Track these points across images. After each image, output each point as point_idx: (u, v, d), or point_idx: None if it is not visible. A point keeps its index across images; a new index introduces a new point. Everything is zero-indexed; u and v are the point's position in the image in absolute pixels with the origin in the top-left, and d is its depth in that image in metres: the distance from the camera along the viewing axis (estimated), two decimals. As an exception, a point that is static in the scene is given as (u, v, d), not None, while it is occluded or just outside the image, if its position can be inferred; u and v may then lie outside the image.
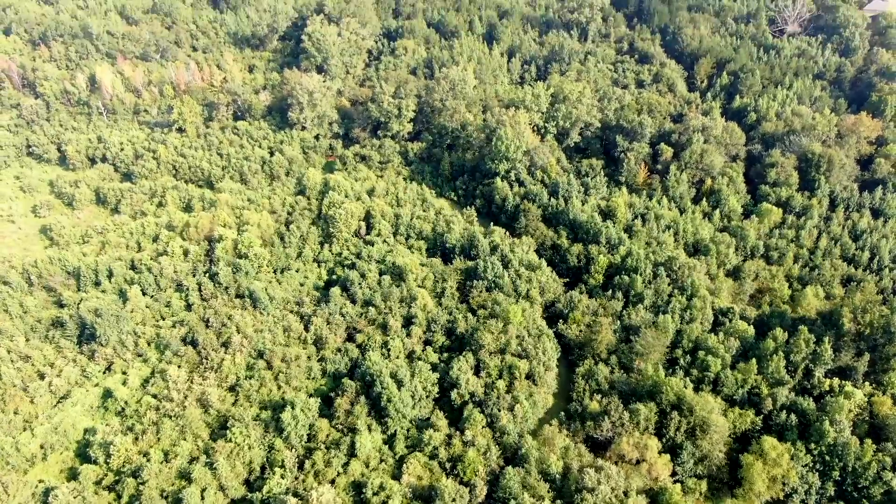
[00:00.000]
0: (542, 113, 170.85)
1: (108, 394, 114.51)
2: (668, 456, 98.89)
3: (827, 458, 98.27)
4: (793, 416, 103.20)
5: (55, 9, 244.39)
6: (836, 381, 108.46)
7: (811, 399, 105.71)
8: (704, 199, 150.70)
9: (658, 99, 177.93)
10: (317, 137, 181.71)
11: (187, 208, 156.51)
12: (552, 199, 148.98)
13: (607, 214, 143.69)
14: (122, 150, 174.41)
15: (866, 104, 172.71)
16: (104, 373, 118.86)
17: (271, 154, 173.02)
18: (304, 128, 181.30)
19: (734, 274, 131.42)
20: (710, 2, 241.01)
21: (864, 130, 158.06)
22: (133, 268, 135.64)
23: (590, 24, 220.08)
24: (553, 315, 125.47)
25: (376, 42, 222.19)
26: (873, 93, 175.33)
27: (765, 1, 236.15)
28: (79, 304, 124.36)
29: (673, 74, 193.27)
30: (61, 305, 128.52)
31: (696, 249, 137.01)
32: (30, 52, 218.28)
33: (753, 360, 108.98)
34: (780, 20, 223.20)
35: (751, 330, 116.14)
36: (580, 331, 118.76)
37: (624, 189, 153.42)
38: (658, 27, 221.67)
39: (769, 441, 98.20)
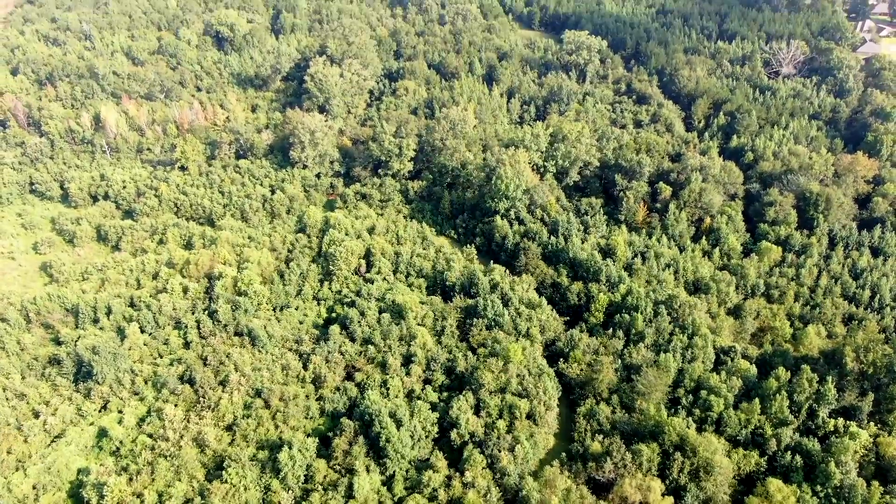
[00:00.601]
0: (542, 152, 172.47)
1: (102, 433, 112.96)
2: (671, 498, 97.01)
3: (833, 500, 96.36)
4: (798, 458, 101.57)
5: (63, 50, 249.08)
6: (840, 421, 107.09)
7: (816, 440, 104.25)
8: (704, 237, 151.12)
9: (656, 138, 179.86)
10: (318, 176, 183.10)
11: (188, 246, 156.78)
12: (552, 237, 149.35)
13: (607, 253, 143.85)
14: (124, 187, 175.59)
15: (862, 144, 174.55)
16: (100, 411, 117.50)
17: (272, 192, 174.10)
18: (305, 166, 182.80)
19: (735, 312, 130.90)
20: (706, 44, 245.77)
21: (861, 170, 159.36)
22: (132, 305, 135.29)
23: (588, 66, 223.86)
24: (554, 354, 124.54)
25: (378, 83, 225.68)
26: (869, 133, 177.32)
27: (759, 44, 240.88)
28: (76, 341, 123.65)
29: (670, 115, 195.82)
30: (59, 343, 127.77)
31: (696, 288, 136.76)
32: (36, 91, 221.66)
33: (756, 400, 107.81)
34: (774, 62, 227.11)
35: (753, 369, 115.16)
36: (581, 370, 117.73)
37: (623, 227, 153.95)
38: (655, 69, 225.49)
39: (774, 483, 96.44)
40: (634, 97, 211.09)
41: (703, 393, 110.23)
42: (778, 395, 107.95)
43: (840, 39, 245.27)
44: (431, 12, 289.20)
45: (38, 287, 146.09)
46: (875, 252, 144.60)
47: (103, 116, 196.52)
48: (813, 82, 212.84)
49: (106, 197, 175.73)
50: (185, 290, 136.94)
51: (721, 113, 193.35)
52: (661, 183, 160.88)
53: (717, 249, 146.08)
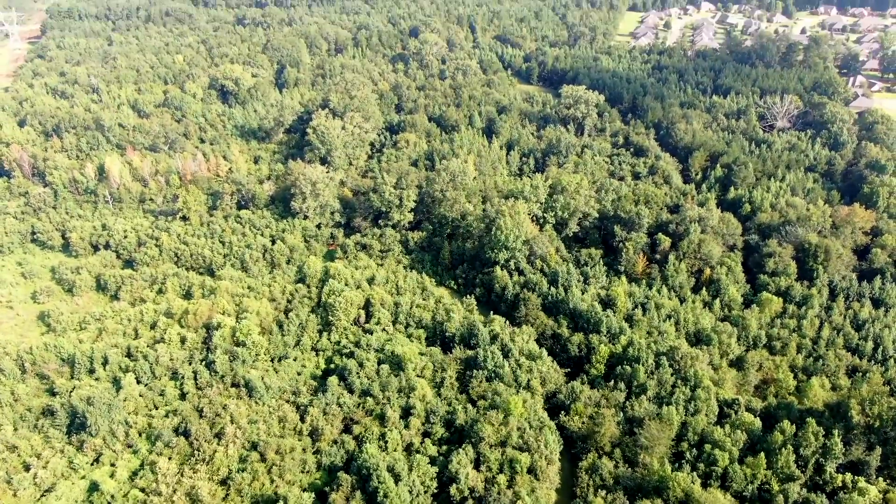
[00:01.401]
0: (541, 203, 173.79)
1: (94, 487, 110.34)
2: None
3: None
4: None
5: (70, 102, 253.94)
6: (848, 476, 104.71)
7: (824, 496, 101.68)
8: (704, 288, 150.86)
9: (654, 190, 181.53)
10: (318, 226, 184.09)
11: (187, 295, 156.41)
12: (552, 288, 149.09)
13: (607, 303, 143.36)
14: (125, 237, 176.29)
15: (859, 196, 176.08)
16: (92, 465, 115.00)
17: (273, 242, 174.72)
18: (306, 217, 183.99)
19: (737, 364, 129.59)
20: (701, 99, 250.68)
21: (859, 221, 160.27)
22: (129, 355, 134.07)
23: (586, 119, 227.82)
24: (555, 406, 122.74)
25: (379, 135, 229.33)
26: (865, 185, 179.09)
27: (753, 98, 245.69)
28: (71, 392, 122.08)
29: (668, 167, 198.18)
30: (53, 393, 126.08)
31: (697, 339, 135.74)
32: (42, 142, 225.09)
33: (762, 454, 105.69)
34: (769, 116, 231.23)
35: (757, 422, 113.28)
36: (583, 423, 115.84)
37: (623, 278, 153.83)
38: (652, 122, 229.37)
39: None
40: (632, 150, 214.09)
41: (708, 447, 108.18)
42: (784, 449, 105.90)
43: (833, 94, 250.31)
44: (432, 67, 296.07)
45: (35, 337, 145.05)
46: (876, 303, 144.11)
47: (107, 167, 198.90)
48: (808, 135, 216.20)
49: (107, 246, 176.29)
50: (183, 341, 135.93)
51: (718, 165, 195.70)
52: (660, 234, 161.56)
53: (717, 300, 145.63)
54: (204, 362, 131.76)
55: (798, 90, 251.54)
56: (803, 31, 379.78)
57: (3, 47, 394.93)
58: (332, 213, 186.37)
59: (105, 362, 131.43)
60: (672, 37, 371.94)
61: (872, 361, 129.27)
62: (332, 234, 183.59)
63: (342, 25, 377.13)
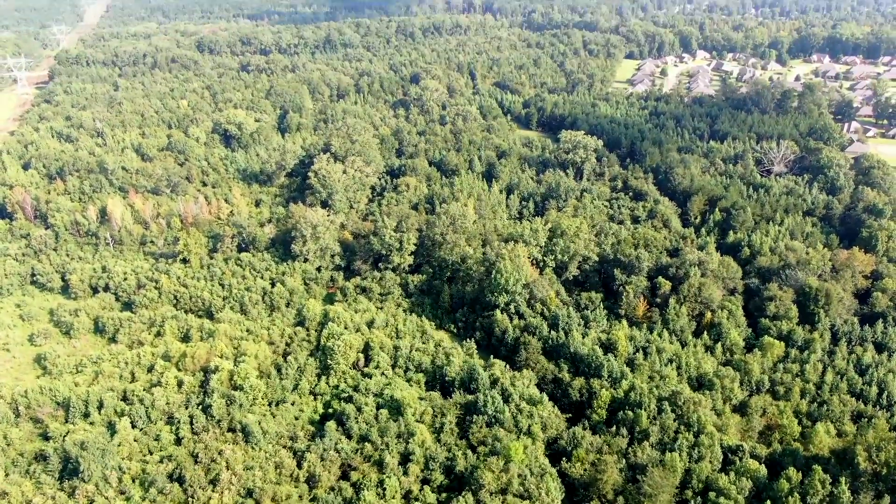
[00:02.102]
0: (541, 247, 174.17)
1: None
2: None
3: None
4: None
5: (75, 146, 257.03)
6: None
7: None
8: (705, 332, 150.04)
9: (654, 234, 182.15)
10: (318, 269, 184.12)
11: (185, 338, 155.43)
12: (552, 331, 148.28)
13: (608, 347, 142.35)
14: (125, 279, 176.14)
15: (857, 240, 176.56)
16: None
17: (273, 285, 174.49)
18: (306, 260, 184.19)
19: (741, 409, 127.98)
20: (699, 144, 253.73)
21: (858, 265, 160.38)
22: (125, 399, 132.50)
23: (585, 164, 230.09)
24: (556, 452, 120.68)
25: (380, 179, 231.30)
26: (863, 229, 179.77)
27: (750, 143, 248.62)
28: (65, 436, 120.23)
29: (667, 211, 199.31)
30: (46, 438, 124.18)
31: (700, 384, 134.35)
32: (46, 185, 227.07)
33: (768, 503, 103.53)
34: (766, 161, 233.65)
35: (763, 469, 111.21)
36: (585, 470, 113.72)
37: (624, 322, 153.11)
38: (650, 167, 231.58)
39: None
40: (631, 194, 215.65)
41: (712, 495, 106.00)
42: (790, 497, 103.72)
43: (828, 140, 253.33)
44: (433, 113, 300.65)
45: (31, 379, 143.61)
46: (879, 347, 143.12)
47: (109, 210, 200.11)
48: (805, 180, 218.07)
49: (106, 289, 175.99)
50: (180, 384, 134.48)
51: (717, 209, 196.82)
52: (660, 278, 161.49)
53: (719, 344, 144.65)
54: (200, 406, 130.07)
55: (794, 136, 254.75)
56: (797, 79, 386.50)
57: (12, 92, 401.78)
58: (333, 256, 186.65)
59: (100, 406, 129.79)
60: (668, 84, 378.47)
61: (877, 407, 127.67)
62: (332, 276, 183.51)
63: (344, 72, 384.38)
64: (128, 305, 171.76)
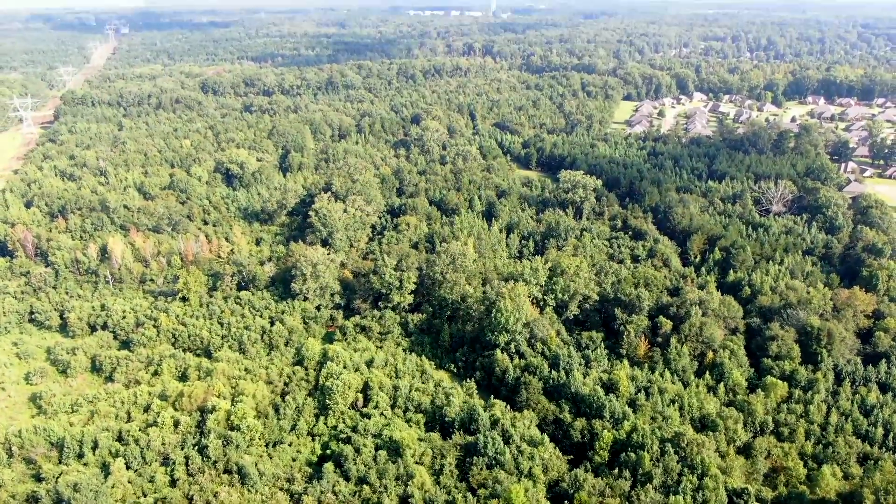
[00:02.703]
0: (541, 286, 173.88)
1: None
2: None
3: None
4: None
5: (77, 184, 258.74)
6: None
7: None
8: (707, 372, 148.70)
9: (654, 273, 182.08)
10: (318, 308, 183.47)
11: (183, 377, 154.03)
12: (553, 371, 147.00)
13: (610, 388, 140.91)
14: (123, 317, 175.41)
15: (858, 279, 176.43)
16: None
17: (272, 324, 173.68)
18: (306, 298, 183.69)
19: (745, 451, 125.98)
20: (697, 184, 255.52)
21: (860, 304, 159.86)
22: (120, 439, 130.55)
23: (584, 203, 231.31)
24: (557, 495, 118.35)
25: (380, 218, 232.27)
26: (863, 268, 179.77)
27: (748, 183, 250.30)
28: (58, 477, 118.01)
29: (667, 250, 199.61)
30: (39, 479, 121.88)
31: (703, 425, 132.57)
32: (47, 223, 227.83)
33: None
34: (764, 201, 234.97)
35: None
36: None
37: (625, 362, 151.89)
38: (649, 206, 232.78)
39: None
40: (630, 233, 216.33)
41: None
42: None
43: (825, 180, 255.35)
44: (433, 153, 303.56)
45: (25, 419, 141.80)
46: (883, 388, 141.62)
47: (110, 248, 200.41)
48: (804, 219, 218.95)
49: (104, 327, 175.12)
50: (176, 424, 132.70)
51: (716, 248, 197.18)
52: (661, 317, 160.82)
53: (721, 385, 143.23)
54: (196, 447, 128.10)
55: (791, 175, 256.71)
56: (793, 120, 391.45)
57: (17, 132, 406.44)
58: (332, 295, 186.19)
59: (95, 446, 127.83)
60: (666, 125, 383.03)
61: (884, 449, 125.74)
62: (331, 315, 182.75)
63: (346, 113, 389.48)
64: (126, 344, 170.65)
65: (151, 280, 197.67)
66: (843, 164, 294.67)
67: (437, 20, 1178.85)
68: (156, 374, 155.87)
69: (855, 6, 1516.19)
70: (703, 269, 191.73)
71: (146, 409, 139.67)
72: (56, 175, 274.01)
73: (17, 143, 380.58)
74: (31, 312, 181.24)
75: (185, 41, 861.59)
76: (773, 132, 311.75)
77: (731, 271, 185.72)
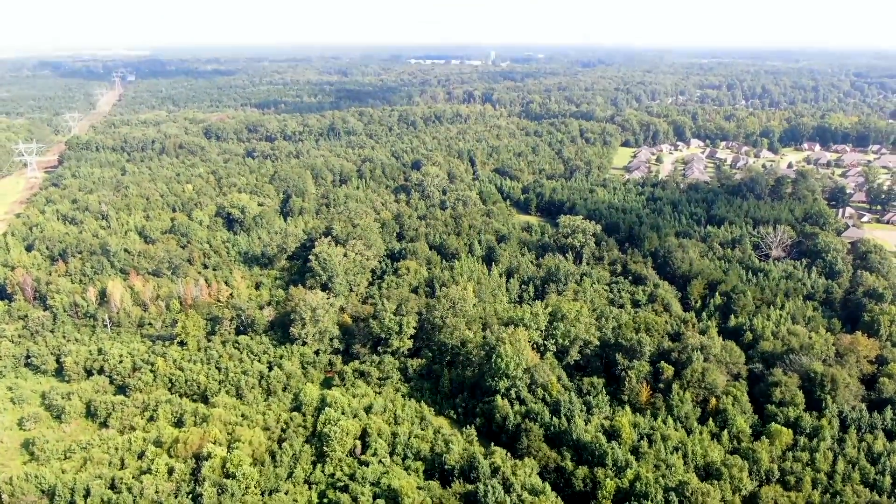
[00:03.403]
0: (541, 331, 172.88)
1: None
2: None
3: None
4: None
5: (79, 228, 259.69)
6: None
7: None
8: (711, 418, 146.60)
9: (655, 318, 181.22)
10: (317, 353, 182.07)
11: (178, 423, 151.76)
12: (554, 418, 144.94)
13: (612, 435, 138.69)
14: (120, 362, 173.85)
15: (860, 324, 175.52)
16: None
17: (270, 369, 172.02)
18: (305, 343, 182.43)
19: (751, 501, 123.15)
20: (696, 228, 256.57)
21: (863, 350, 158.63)
22: (112, 487, 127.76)
23: (584, 248, 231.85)
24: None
25: (380, 262, 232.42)
26: (865, 313, 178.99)
27: (747, 228, 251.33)
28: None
29: (667, 295, 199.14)
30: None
31: (707, 473, 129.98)
32: (48, 266, 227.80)
33: None
34: (763, 245, 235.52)
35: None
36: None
37: (627, 408, 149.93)
38: (649, 251, 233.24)
39: None
40: (630, 278, 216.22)
41: None
42: None
43: (824, 225, 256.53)
44: (433, 198, 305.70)
45: (17, 465, 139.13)
46: (889, 435, 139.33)
47: (109, 291, 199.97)
48: (803, 264, 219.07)
49: (101, 371, 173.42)
50: (171, 471, 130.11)
51: (717, 293, 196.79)
52: (662, 362, 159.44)
53: (725, 432, 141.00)
54: (191, 495, 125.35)
55: (790, 221, 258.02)
56: (790, 166, 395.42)
57: (21, 176, 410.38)
58: (331, 340, 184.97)
59: (87, 494, 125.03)
60: (664, 170, 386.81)
61: (892, 498, 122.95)
62: (330, 360, 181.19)
63: (347, 158, 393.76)
64: (122, 389, 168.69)
65: (150, 324, 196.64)
66: (840, 210, 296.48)
67: (438, 69, 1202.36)
68: (151, 419, 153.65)
69: (847, 55, 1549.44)
70: (703, 314, 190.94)
71: (140, 456, 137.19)
72: (58, 219, 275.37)
73: (21, 187, 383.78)
74: (28, 356, 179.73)
75: (189, 88, 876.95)
76: (771, 178, 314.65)
77: (732, 316, 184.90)
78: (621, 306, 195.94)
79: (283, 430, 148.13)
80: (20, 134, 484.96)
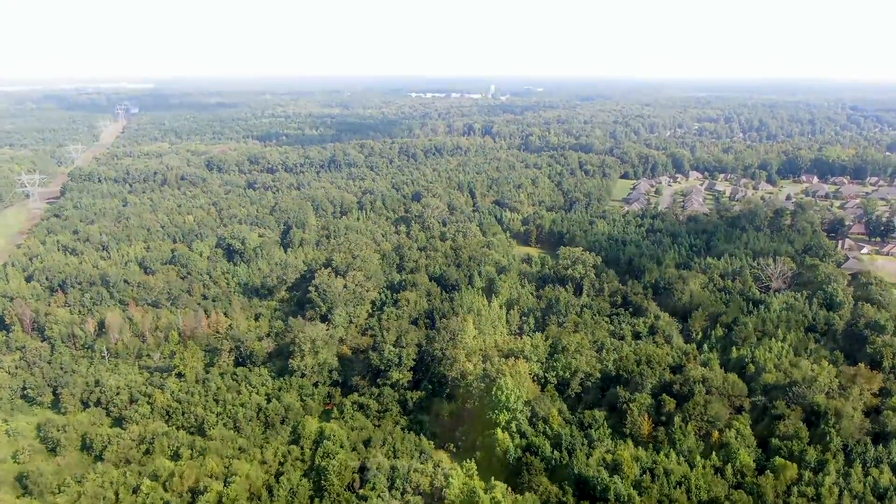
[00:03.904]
0: (542, 363, 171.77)
1: None
2: None
3: None
4: None
5: (79, 259, 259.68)
6: None
7: None
8: (714, 452, 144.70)
9: (656, 350, 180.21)
10: (315, 385, 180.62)
11: (175, 456, 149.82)
12: (555, 451, 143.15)
13: (614, 468, 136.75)
14: (117, 394, 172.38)
15: (862, 356, 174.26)
16: None
17: (268, 401, 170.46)
18: (303, 375, 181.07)
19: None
20: (696, 260, 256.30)
21: (866, 382, 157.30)
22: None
23: (584, 280, 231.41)
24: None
25: (380, 293, 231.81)
26: (867, 345, 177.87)
27: (747, 260, 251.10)
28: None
29: (668, 327, 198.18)
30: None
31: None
32: (47, 297, 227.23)
33: None
34: (764, 277, 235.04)
35: None
36: None
37: (629, 441, 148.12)
38: (649, 283, 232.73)
39: None
40: (631, 309, 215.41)
41: None
42: None
43: (823, 256, 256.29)
44: (433, 229, 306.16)
45: (11, 500, 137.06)
46: (895, 469, 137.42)
47: (108, 322, 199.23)
48: (804, 296, 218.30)
49: (98, 403, 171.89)
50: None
51: (718, 325, 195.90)
52: (664, 395, 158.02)
53: (728, 466, 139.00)
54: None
55: (790, 252, 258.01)
56: (788, 198, 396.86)
57: (24, 207, 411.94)
58: (330, 372, 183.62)
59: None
60: (663, 202, 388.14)
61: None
62: (328, 392, 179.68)
63: (348, 190, 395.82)
64: (118, 421, 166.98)
65: (148, 355, 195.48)
66: (839, 241, 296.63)
67: (438, 102, 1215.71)
68: (147, 452, 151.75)
69: (843, 89, 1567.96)
70: (705, 345, 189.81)
71: (135, 490, 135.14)
72: (58, 249, 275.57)
73: (23, 218, 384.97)
74: (24, 388, 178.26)
75: (192, 121, 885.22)
76: (770, 210, 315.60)
77: (734, 348, 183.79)
78: (622, 338, 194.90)
79: (281, 464, 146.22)
80: (23, 165, 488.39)
